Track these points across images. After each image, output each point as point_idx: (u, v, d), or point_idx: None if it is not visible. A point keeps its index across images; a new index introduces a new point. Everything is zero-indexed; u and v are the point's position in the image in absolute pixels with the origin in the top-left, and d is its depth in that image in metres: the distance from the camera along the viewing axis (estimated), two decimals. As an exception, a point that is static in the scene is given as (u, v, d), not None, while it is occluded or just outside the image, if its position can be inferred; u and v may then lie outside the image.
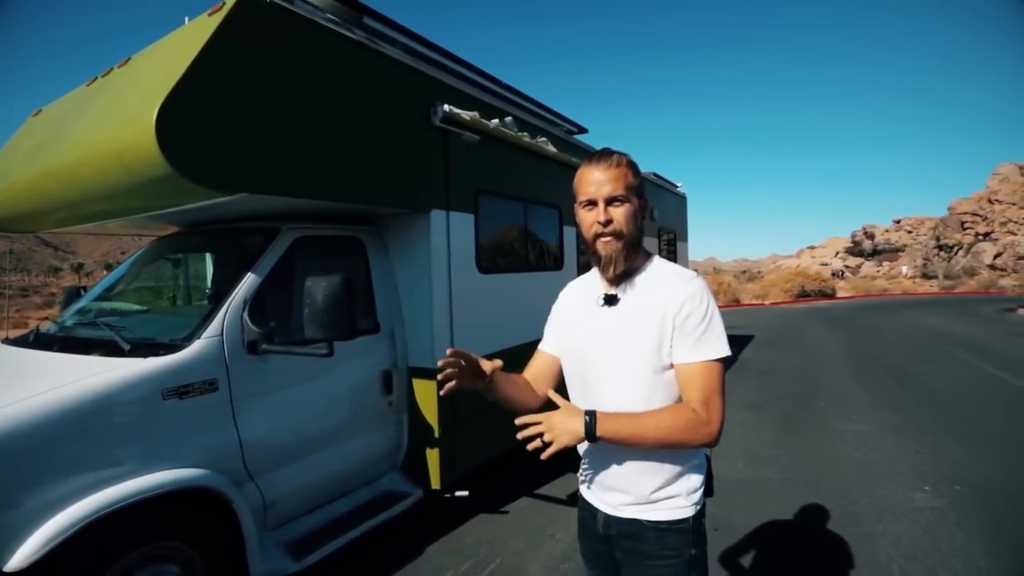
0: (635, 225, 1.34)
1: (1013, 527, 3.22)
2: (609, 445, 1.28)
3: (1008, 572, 2.79)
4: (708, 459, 1.42)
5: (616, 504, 1.37)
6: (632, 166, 1.36)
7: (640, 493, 1.32)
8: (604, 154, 1.36)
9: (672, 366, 1.29)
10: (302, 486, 2.68)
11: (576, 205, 1.40)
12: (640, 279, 1.36)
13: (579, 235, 1.43)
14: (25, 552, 1.70)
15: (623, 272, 1.35)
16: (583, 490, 1.49)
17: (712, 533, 2.25)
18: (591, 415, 1.21)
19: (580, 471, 1.49)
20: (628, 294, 1.36)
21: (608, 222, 1.31)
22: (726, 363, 1.27)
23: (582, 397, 1.41)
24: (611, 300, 1.37)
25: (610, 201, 1.31)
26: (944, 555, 2.95)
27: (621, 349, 1.32)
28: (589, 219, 1.34)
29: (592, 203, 1.33)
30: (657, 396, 1.30)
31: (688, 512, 1.31)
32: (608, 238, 1.32)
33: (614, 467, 1.36)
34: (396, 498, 3.07)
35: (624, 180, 1.32)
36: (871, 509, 3.51)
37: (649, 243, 6.74)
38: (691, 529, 1.31)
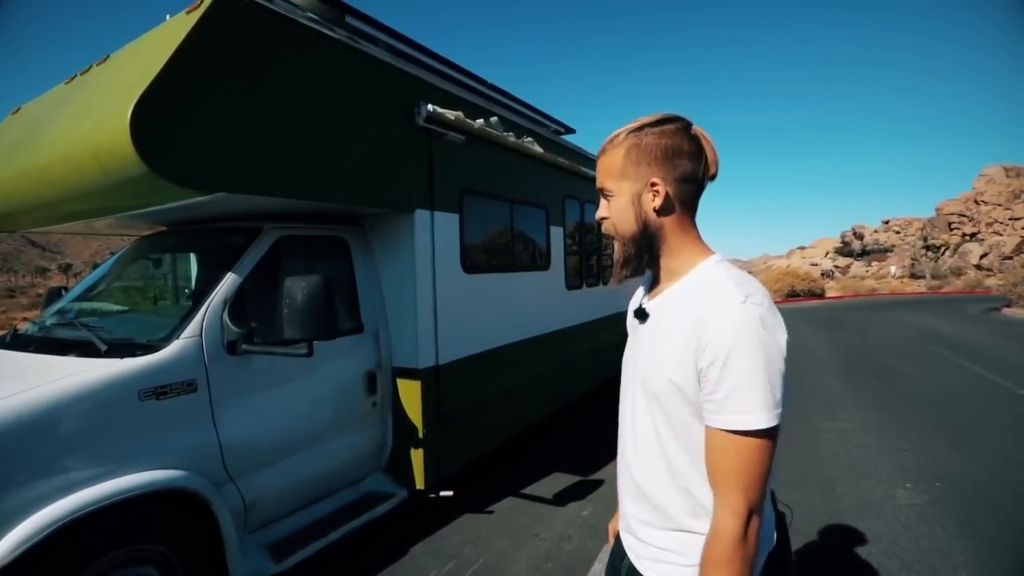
0: (634, 220, 1.03)
1: (992, 523, 3.26)
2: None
3: (985, 567, 2.83)
4: (780, 513, 1.11)
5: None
6: (635, 139, 1.01)
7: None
8: (611, 135, 1.06)
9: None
10: (284, 487, 2.67)
11: None
12: (675, 291, 1.04)
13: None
14: (-3, 554, 1.68)
15: (653, 279, 1.12)
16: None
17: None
18: None
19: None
20: (660, 310, 1.05)
21: (604, 219, 1.10)
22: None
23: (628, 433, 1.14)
24: (641, 315, 1.10)
25: (605, 194, 1.08)
26: (923, 551, 2.98)
27: (645, 381, 1.04)
28: None
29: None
30: (683, 454, 1.00)
31: None
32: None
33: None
34: (380, 499, 3.07)
35: (615, 166, 1.03)
36: (853, 506, 3.55)
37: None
38: None
